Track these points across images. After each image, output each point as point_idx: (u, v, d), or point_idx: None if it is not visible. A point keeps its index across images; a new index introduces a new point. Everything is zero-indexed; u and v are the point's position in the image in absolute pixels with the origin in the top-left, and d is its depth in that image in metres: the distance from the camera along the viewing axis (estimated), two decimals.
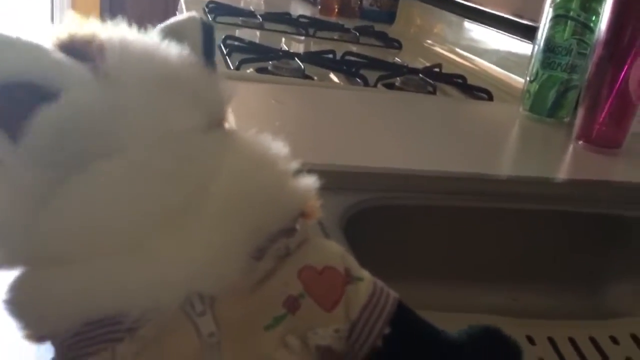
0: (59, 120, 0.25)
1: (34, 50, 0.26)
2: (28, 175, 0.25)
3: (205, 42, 0.30)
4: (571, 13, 0.71)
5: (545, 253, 0.58)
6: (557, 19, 0.73)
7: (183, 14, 0.31)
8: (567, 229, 0.57)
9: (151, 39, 0.29)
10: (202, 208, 0.26)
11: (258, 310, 0.26)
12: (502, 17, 1.00)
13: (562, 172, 0.65)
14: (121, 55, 0.27)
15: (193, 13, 0.31)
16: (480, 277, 0.57)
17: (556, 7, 0.73)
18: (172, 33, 0.30)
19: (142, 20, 0.31)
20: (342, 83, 0.91)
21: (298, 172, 0.29)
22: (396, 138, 0.64)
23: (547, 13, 0.74)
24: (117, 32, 0.28)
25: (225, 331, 0.25)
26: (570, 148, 0.69)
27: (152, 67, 0.27)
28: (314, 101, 0.74)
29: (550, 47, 0.74)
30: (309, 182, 0.29)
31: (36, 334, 0.26)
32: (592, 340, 0.52)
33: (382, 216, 0.53)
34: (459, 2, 1.18)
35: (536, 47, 0.76)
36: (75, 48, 0.27)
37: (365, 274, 0.29)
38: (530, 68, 0.76)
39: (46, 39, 0.28)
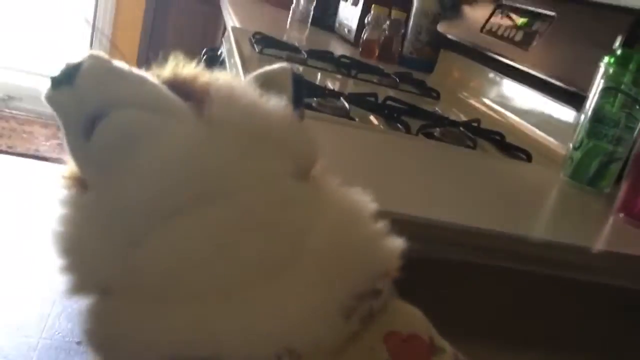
0: (153, 164, 0.25)
1: (142, 82, 0.27)
2: (120, 209, 0.26)
3: (295, 91, 0.31)
4: (622, 86, 0.72)
5: (574, 322, 0.57)
6: (607, 90, 0.73)
7: (275, 65, 0.33)
8: (601, 302, 0.57)
9: (251, 88, 0.30)
10: (298, 261, 0.26)
11: None
12: (544, 79, 1.01)
13: (601, 244, 0.64)
14: (226, 103, 0.27)
15: (285, 64, 0.33)
16: (509, 341, 0.56)
17: (608, 79, 0.73)
18: (265, 81, 0.31)
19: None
20: (382, 126, 0.92)
21: (386, 230, 0.30)
22: (437, 189, 0.64)
23: (598, 83, 0.75)
24: (220, 76, 0.30)
25: None
26: (610, 220, 0.68)
27: (252, 118, 0.28)
28: (357, 142, 0.75)
29: (598, 117, 0.74)
30: (398, 242, 0.30)
31: None
32: None
33: (416, 267, 0.53)
34: (498, 60, 1.19)
35: (583, 115, 0.76)
36: (179, 86, 0.28)
37: (446, 345, 0.29)
38: (576, 135, 0.77)
39: (151, 74, 0.29)
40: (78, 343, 1.53)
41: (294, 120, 0.30)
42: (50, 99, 0.27)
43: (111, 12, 3.11)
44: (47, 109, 0.28)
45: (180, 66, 0.30)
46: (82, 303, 0.28)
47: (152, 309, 0.25)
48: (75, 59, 0.27)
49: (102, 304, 0.27)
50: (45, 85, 0.28)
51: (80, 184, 0.27)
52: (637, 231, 0.66)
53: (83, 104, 0.26)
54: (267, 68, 0.33)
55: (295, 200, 0.28)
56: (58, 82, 0.26)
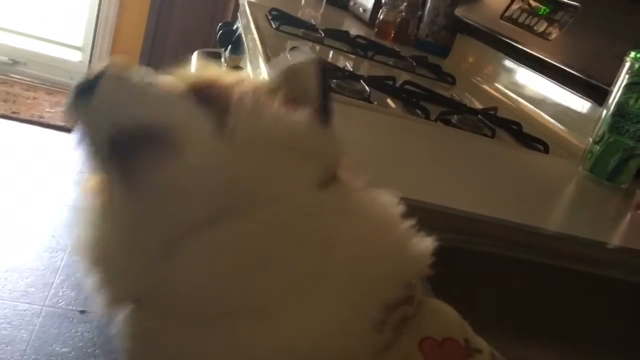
0: (180, 178, 0.25)
1: (163, 99, 0.26)
2: (152, 223, 0.25)
3: (322, 87, 0.30)
4: None
5: (593, 317, 0.58)
6: (632, 86, 0.73)
7: (302, 55, 0.31)
8: (618, 297, 0.57)
9: (276, 93, 0.28)
10: (326, 274, 0.26)
11: None
12: (566, 70, 1.00)
13: (617, 239, 0.65)
14: (250, 113, 0.27)
15: (311, 55, 0.31)
16: (528, 332, 0.57)
17: (633, 74, 0.73)
18: (291, 74, 0.30)
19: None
20: (400, 111, 0.91)
21: (413, 232, 0.29)
22: (456, 177, 0.64)
23: (622, 78, 0.74)
24: (244, 78, 0.29)
25: None
26: (628, 216, 0.68)
27: (278, 129, 0.27)
28: (378, 127, 0.74)
29: (621, 113, 0.74)
30: (427, 244, 0.29)
31: None
32: None
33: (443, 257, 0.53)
34: (516, 47, 1.18)
35: (605, 109, 0.76)
36: (202, 92, 0.27)
37: (483, 345, 0.29)
38: (596, 129, 0.77)
39: (180, 81, 0.28)
40: (81, 312, 1.55)
41: (320, 127, 0.29)
42: (69, 113, 0.26)
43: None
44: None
45: (202, 69, 0.29)
46: (118, 316, 0.28)
47: (185, 327, 0.25)
48: (95, 70, 0.26)
49: (136, 319, 0.27)
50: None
51: (107, 192, 0.26)
52: None
53: (101, 123, 0.25)
54: (294, 61, 0.31)
55: (321, 211, 0.27)
56: (76, 97, 0.26)
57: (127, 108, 0.25)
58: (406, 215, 0.31)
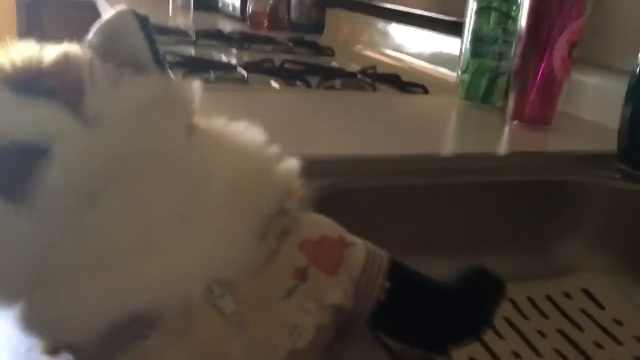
0: (63, 176, 0.25)
1: (6, 107, 0.25)
2: (35, 227, 0.25)
3: (149, 41, 0.29)
4: (494, 4, 0.77)
5: (496, 221, 0.62)
6: (481, 10, 0.78)
7: (112, 12, 0.29)
8: (514, 197, 0.62)
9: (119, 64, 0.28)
10: (207, 202, 0.27)
11: (271, 285, 0.29)
12: (427, 15, 1.05)
13: (502, 147, 0.70)
14: (105, 94, 0.26)
15: (122, 8, 0.30)
16: (438, 249, 0.60)
17: (480, 0, 0.78)
18: (109, 38, 0.29)
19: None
20: (281, 88, 0.93)
21: (279, 155, 0.31)
22: (346, 130, 0.67)
23: (472, 7, 0.79)
24: (84, 60, 0.28)
25: (245, 308, 0.27)
26: (507, 128, 0.74)
27: (132, 98, 0.27)
28: (258, 104, 0.76)
29: (477, 37, 0.79)
30: (291, 163, 0.31)
31: (54, 346, 0.27)
32: (548, 297, 0.56)
33: (344, 199, 0.55)
34: (383, 7, 1.23)
35: (464, 39, 0.81)
36: (42, 82, 0.26)
37: (356, 239, 0.32)
38: (462, 59, 0.81)
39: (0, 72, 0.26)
40: None
41: (165, 77, 0.30)
42: None
43: None
44: None
45: (23, 51, 0.27)
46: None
47: (74, 283, 0.25)
48: None
49: (33, 295, 0.27)
50: None
51: None
52: (530, 133, 0.72)
53: None
54: (104, 20, 0.29)
55: (190, 153, 0.29)
56: None
57: None
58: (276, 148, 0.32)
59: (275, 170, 0.31)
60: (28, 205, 0.25)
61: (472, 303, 0.34)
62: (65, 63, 0.27)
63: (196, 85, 0.31)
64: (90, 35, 0.29)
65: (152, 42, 0.29)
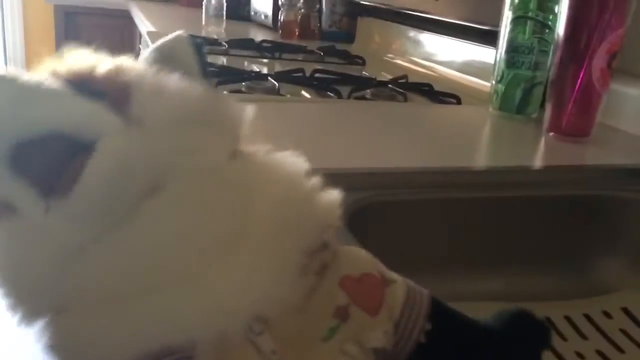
0: (105, 173, 0.24)
1: (60, 98, 0.25)
2: (65, 230, 0.25)
3: (201, 63, 0.30)
4: (530, 13, 0.75)
5: (532, 237, 0.60)
6: (517, 20, 0.77)
7: (170, 35, 0.31)
8: (551, 212, 0.60)
9: (170, 75, 0.28)
10: (247, 234, 0.26)
11: (311, 323, 0.27)
12: (460, 24, 1.04)
13: (539, 161, 0.68)
14: (150, 98, 0.26)
15: (180, 33, 0.31)
16: (473, 265, 0.59)
17: (515, 9, 0.77)
18: (164, 58, 0.29)
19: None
20: (312, 97, 0.93)
21: (322, 186, 0.30)
22: (377, 141, 0.66)
23: (507, 16, 0.78)
24: (127, 64, 0.28)
25: (284, 347, 0.26)
26: (542, 140, 0.72)
27: (178, 106, 0.27)
28: (290, 114, 0.76)
29: (513, 47, 0.77)
30: (334, 195, 0.30)
31: None
32: (587, 316, 0.54)
33: (376, 212, 0.54)
34: (414, 15, 1.22)
35: (499, 49, 0.79)
36: (93, 85, 0.26)
37: (395, 275, 0.31)
38: (496, 69, 0.80)
39: (55, 73, 0.26)
40: None
41: (215, 96, 0.29)
42: None
43: (20, 39, 3.00)
44: None
45: (78, 59, 0.27)
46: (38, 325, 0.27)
47: (112, 310, 0.24)
48: None
49: (60, 319, 0.26)
50: None
51: (5, 207, 0.25)
52: (568, 145, 0.70)
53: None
54: (161, 41, 0.30)
55: (235, 177, 0.28)
56: None
57: (23, 112, 0.24)
58: (329, 184, 0.32)
59: (318, 201, 0.30)
60: (61, 202, 0.24)
61: (516, 350, 0.32)
62: (116, 70, 0.28)
63: (249, 109, 0.30)
64: (146, 53, 0.30)
65: (204, 66, 0.30)
